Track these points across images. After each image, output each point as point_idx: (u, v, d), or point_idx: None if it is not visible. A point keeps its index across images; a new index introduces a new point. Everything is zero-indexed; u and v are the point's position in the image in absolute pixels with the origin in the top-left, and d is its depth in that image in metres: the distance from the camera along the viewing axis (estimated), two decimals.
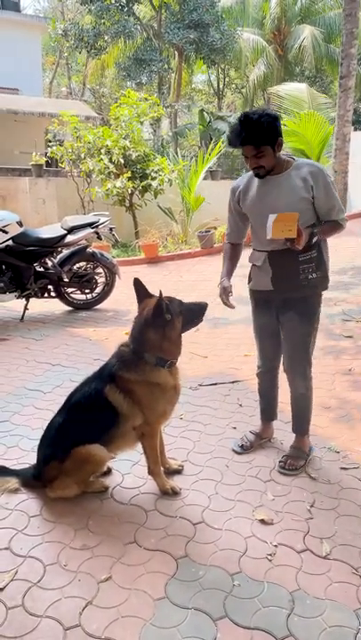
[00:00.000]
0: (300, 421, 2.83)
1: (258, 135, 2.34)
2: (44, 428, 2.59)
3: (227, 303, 2.75)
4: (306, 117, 10.55)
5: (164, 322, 2.36)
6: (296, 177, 2.47)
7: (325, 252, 2.63)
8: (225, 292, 2.75)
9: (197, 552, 2.16)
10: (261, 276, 2.65)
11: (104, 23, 16.93)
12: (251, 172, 2.59)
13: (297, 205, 2.44)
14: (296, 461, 2.73)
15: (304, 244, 2.42)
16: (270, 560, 2.12)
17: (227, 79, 27.17)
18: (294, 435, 2.87)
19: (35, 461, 2.56)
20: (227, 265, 2.85)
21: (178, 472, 2.72)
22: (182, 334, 2.49)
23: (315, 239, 2.52)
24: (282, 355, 2.79)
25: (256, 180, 2.57)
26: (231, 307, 2.76)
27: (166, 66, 18.88)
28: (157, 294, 2.37)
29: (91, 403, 2.45)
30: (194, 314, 2.51)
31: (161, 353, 2.41)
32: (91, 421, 2.43)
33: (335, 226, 2.56)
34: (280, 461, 2.76)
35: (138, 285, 2.51)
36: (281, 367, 2.92)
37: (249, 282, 2.80)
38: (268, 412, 3.01)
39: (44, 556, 2.13)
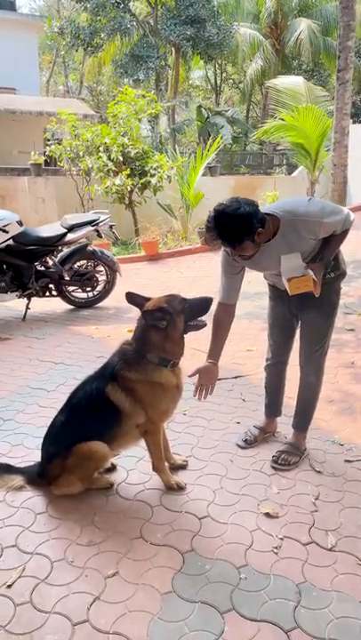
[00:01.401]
0: (302, 416, 2.83)
1: (232, 237, 2.24)
2: (48, 426, 2.60)
3: (201, 395, 2.58)
4: (304, 111, 10.51)
5: (162, 325, 2.34)
6: (290, 234, 2.35)
7: (340, 252, 2.59)
8: (208, 379, 2.57)
9: (203, 546, 2.17)
10: (280, 280, 2.57)
11: (100, 20, 16.90)
12: None
13: (302, 251, 2.38)
14: (290, 457, 2.73)
15: (321, 282, 2.40)
16: (276, 553, 2.13)
17: (224, 74, 27.14)
18: (293, 430, 2.87)
19: (39, 459, 2.57)
20: (216, 342, 2.61)
21: (183, 467, 2.72)
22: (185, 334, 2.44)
23: (331, 265, 2.48)
24: (298, 348, 2.76)
25: None
26: (202, 399, 2.59)
27: (163, 62, 18.82)
28: (155, 295, 2.35)
29: (92, 402, 2.44)
30: (198, 309, 2.44)
31: (163, 353, 2.40)
32: (93, 420, 2.43)
33: (343, 236, 2.46)
34: (273, 456, 2.76)
35: (131, 298, 2.46)
36: (289, 362, 2.92)
37: (265, 277, 2.79)
38: (273, 407, 3.01)
39: (50, 553, 2.14)
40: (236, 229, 2.21)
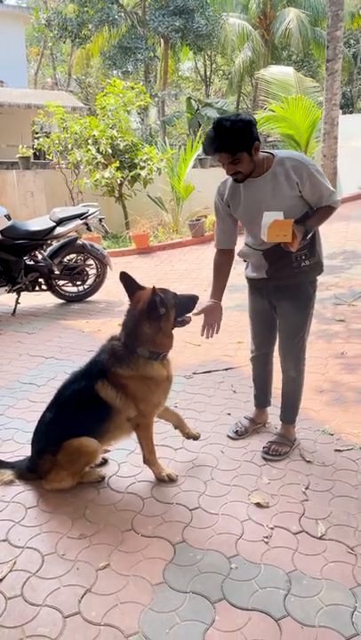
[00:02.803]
0: (289, 409, 2.83)
1: (232, 142, 2.25)
2: (37, 421, 2.59)
3: (208, 333, 2.64)
4: (293, 102, 10.49)
5: (158, 316, 2.33)
6: (280, 174, 2.38)
7: (318, 239, 2.59)
8: (213, 317, 2.64)
9: (194, 537, 2.18)
10: (256, 267, 2.63)
11: (87, 11, 16.73)
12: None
13: (286, 203, 2.39)
14: (280, 447, 2.74)
15: (299, 245, 2.37)
16: (267, 542, 2.14)
17: (213, 66, 26.98)
18: (281, 422, 2.88)
19: (29, 454, 2.56)
20: (217, 282, 2.70)
21: (196, 438, 2.82)
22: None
23: (310, 233, 2.46)
24: (277, 340, 2.78)
25: (241, 185, 2.48)
26: (209, 336, 2.66)
27: (152, 54, 18.67)
28: (149, 286, 2.33)
29: (82, 399, 2.43)
30: (186, 306, 2.47)
31: (155, 347, 2.39)
32: (83, 417, 2.42)
33: (328, 211, 2.49)
34: (264, 447, 2.77)
35: (126, 279, 2.44)
36: (276, 352, 2.93)
37: (246, 268, 2.78)
38: (261, 398, 3.02)
39: (42, 547, 2.14)
40: (236, 134, 2.23)
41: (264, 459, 2.71)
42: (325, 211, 2.49)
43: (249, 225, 2.58)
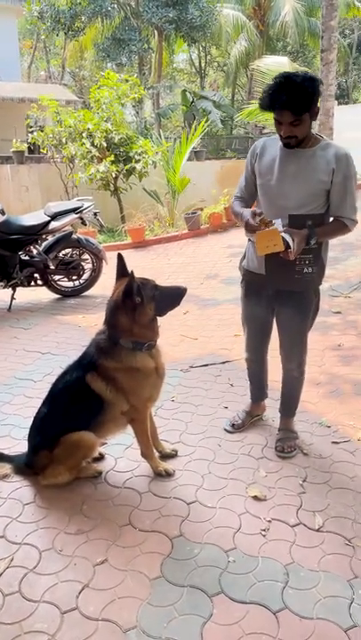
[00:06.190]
0: (290, 404, 2.83)
1: (300, 100, 2.11)
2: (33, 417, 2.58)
3: (254, 226, 2.29)
4: None
5: (133, 305, 2.26)
6: (320, 157, 2.29)
7: (325, 245, 2.48)
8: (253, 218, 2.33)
9: (192, 531, 2.17)
10: (255, 256, 2.49)
11: (80, 3, 16.54)
12: (275, 137, 2.37)
13: (311, 188, 2.30)
14: (292, 442, 2.72)
15: (299, 252, 2.25)
16: (264, 535, 2.14)
17: (208, 57, 26.78)
18: (281, 416, 2.87)
19: (26, 450, 2.55)
20: (242, 206, 2.55)
21: (172, 457, 2.69)
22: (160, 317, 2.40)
23: (313, 241, 2.30)
24: (278, 341, 2.69)
25: (278, 147, 2.35)
26: (266, 225, 2.29)
27: (146, 45, 18.51)
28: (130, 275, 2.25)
29: (74, 392, 2.42)
30: (169, 299, 2.39)
31: (133, 337, 2.34)
32: (77, 410, 2.41)
33: (340, 227, 2.38)
34: (277, 448, 2.70)
35: (120, 261, 2.40)
36: (270, 351, 2.90)
37: (242, 259, 2.67)
38: (258, 393, 3.02)
39: (39, 543, 2.14)
40: (305, 92, 2.10)
41: (283, 457, 2.65)
42: (339, 226, 2.38)
43: (264, 192, 2.44)
